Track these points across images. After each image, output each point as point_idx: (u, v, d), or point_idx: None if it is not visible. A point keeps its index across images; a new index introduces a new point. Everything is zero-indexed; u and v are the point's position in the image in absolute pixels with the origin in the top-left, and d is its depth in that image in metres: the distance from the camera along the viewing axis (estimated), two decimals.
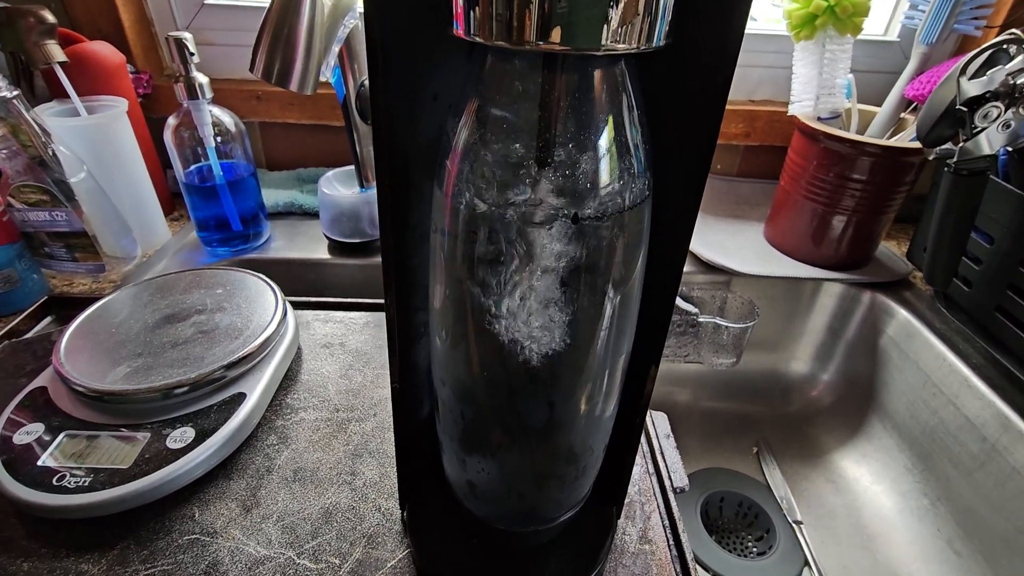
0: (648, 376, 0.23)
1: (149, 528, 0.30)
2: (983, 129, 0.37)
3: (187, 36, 0.48)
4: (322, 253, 0.60)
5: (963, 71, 0.37)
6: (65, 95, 0.53)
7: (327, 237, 0.60)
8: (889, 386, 0.55)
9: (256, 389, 0.36)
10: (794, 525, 0.51)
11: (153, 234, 0.59)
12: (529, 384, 0.19)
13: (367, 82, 0.52)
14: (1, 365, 0.40)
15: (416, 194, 0.21)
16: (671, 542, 0.30)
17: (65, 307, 0.47)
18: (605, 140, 0.16)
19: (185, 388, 0.34)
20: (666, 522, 0.32)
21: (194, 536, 0.30)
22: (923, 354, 0.51)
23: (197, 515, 0.31)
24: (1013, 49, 0.36)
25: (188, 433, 0.32)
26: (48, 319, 0.46)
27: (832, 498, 0.54)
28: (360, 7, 0.48)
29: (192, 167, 0.55)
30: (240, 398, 0.35)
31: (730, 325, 0.57)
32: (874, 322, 0.57)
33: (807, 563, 0.49)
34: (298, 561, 0.29)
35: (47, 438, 0.32)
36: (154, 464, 0.31)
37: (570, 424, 0.21)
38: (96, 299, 0.47)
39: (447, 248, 0.19)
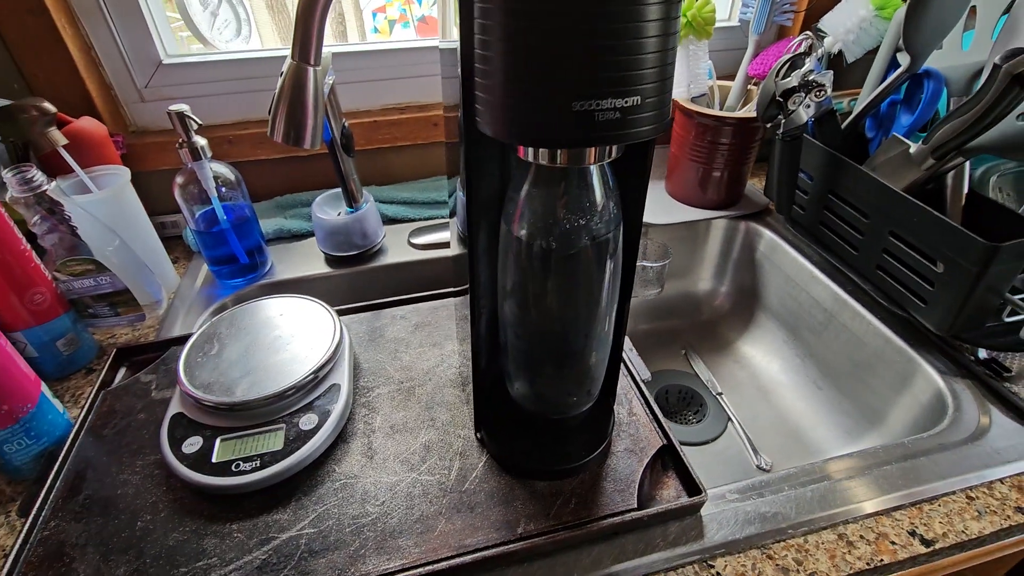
0: (624, 312, 0.40)
1: (307, 484, 0.43)
2: (794, 111, 0.56)
3: (186, 108, 0.56)
4: (321, 268, 0.71)
5: (777, 73, 0.56)
6: (63, 171, 0.59)
7: (324, 253, 0.71)
8: (765, 287, 0.77)
9: (344, 378, 0.48)
10: (717, 396, 0.72)
11: (167, 278, 0.67)
12: (573, 327, 0.35)
13: (347, 122, 0.63)
14: (113, 409, 0.49)
15: (485, 224, 0.36)
16: (647, 411, 0.48)
17: (132, 355, 0.56)
18: (599, 195, 0.32)
19: (293, 390, 0.46)
20: (641, 400, 0.49)
21: (342, 481, 0.43)
22: (783, 260, 0.73)
23: (337, 469, 0.44)
24: (805, 57, 0.55)
25: (312, 418, 0.45)
26: (123, 369, 0.55)
27: (739, 373, 0.76)
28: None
29: (199, 215, 0.63)
30: (336, 387, 0.48)
31: (652, 264, 0.75)
32: (750, 243, 0.78)
33: (729, 419, 0.70)
34: (420, 478, 0.43)
35: (208, 445, 0.43)
36: (299, 442, 0.43)
37: (595, 346, 0.37)
38: (159, 343, 0.56)
39: (516, 254, 0.34)
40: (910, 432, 0.56)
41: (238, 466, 0.42)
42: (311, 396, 0.47)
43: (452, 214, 0.43)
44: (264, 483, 0.41)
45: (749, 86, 0.76)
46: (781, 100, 0.56)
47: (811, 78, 0.54)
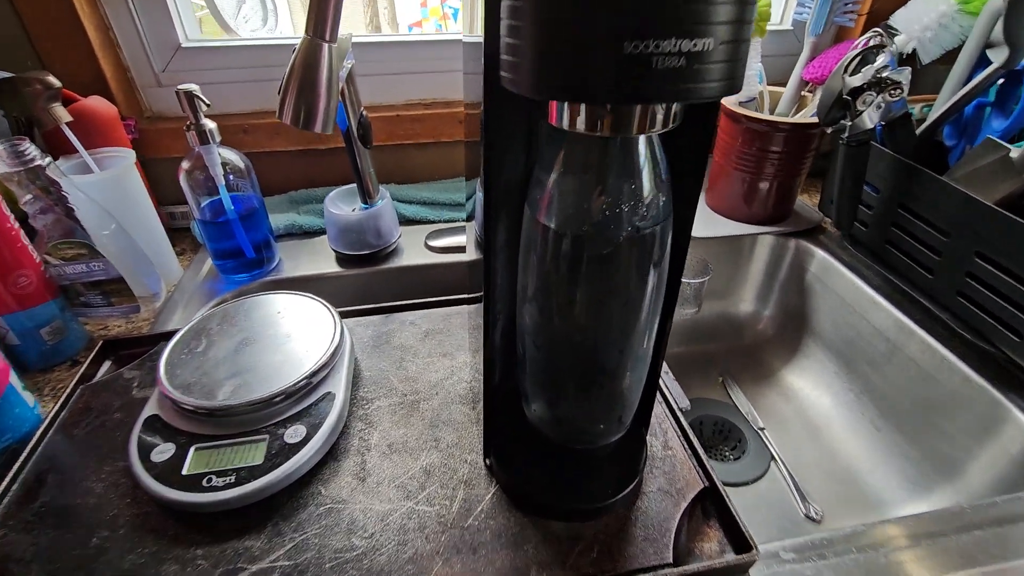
0: (666, 328, 0.34)
1: (288, 507, 0.37)
2: (862, 111, 0.49)
3: (195, 88, 0.53)
4: (332, 267, 0.66)
5: (846, 69, 0.49)
6: (68, 151, 0.56)
7: (335, 251, 0.67)
8: (816, 312, 0.69)
9: (340, 387, 0.43)
10: (759, 432, 0.65)
11: (169, 271, 0.63)
12: (606, 339, 0.29)
13: (365, 112, 0.59)
14: (89, 406, 0.45)
15: (505, 216, 0.30)
16: (685, 446, 0.41)
17: (119, 348, 0.52)
18: (647, 177, 0.26)
19: (282, 396, 0.41)
20: (679, 432, 0.42)
21: (328, 506, 0.37)
22: (838, 283, 0.65)
23: (323, 491, 0.38)
24: (878, 52, 0.48)
25: (300, 430, 0.39)
26: (108, 363, 0.51)
27: (784, 406, 0.68)
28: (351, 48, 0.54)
29: (205, 204, 0.59)
30: (330, 396, 0.42)
31: (690, 281, 0.69)
32: (800, 263, 0.71)
33: (773, 458, 0.62)
34: (417, 508, 0.37)
35: (180, 453, 0.38)
36: (282, 457, 0.38)
37: (631, 365, 0.31)
38: (149, 337, 0.52)
39: (542, 248, 0.28)
40: (993, 489, 0.47)
41: (210, 480, 0.36)
42: (301, 404, 0.41)
43: (470, 218, 0.38)
44: (238, 502, 0.36)
45: (803, 92, 0.70)
46: (848, 99, 0.49)
47: (885, 75, 0.48)
